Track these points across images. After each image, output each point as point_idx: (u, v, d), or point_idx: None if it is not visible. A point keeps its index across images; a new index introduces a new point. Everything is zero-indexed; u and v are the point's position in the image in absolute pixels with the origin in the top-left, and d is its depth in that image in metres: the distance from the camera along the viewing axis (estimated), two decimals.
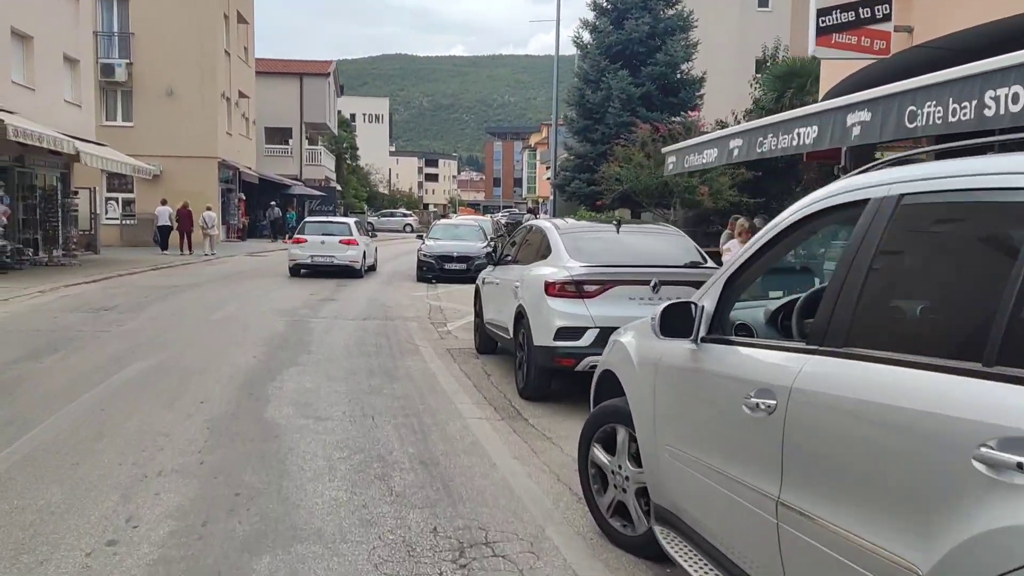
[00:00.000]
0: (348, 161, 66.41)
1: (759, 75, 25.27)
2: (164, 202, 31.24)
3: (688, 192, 22.06)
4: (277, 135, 50.23)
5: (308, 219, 26.98)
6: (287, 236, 37.02)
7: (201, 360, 9.96)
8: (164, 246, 30.61)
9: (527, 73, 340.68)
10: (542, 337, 7.89)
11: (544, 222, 10.14)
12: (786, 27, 36.85)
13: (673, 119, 26.09)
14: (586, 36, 28.94)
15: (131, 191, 35.13)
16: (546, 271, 8.17)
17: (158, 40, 34.36)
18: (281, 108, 48.03)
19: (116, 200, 35.13)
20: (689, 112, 27.79)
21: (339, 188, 55.13)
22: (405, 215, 65.28)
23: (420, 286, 21.47)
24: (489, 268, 11.17)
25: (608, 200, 23.57)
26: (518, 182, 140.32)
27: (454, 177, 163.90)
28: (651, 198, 23.52)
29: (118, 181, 35.05)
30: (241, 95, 40.33)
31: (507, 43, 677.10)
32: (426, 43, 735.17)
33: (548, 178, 41.36)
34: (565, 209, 33.13)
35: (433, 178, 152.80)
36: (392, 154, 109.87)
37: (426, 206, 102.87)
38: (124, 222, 34.26)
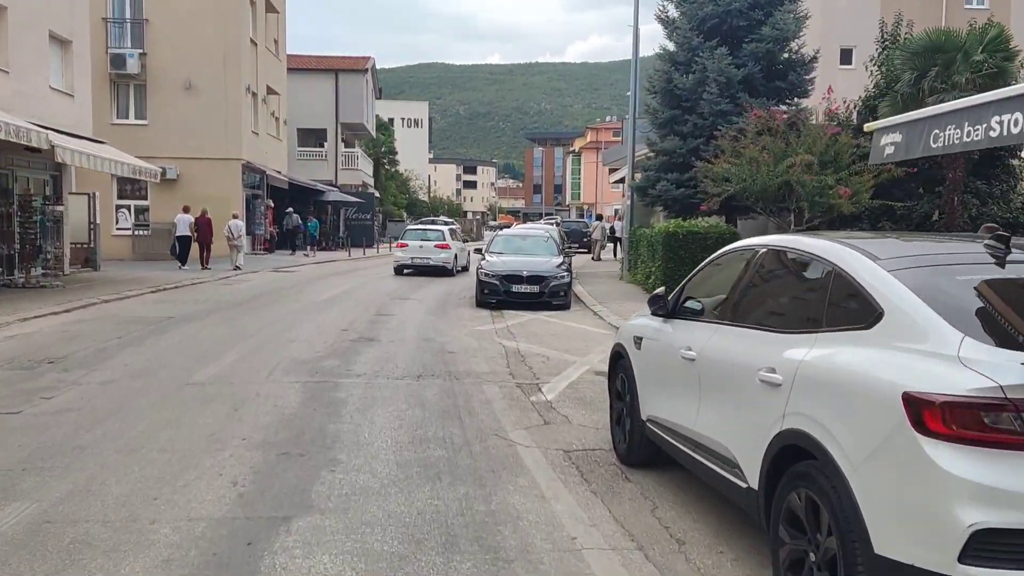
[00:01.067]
0: (386, 166, 62.15)
1: (880, 54, 20.13)
2: (186, 209, 27.00)
3: (820, 194, 17.10)
4: (311, 137, 45.99)
5: (409, 227, 32.25)
6: (309, 247, 32.49)
7: (116, 515, 5.17)
8: (183, 260, 26.41)
9: (564, 80, 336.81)
10: (900, 542, 3.08)
11: (824, 243, 4.41)
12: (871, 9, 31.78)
13: (781, 108, 21.05)
14: (672, 10, 24.01)
15: (144, 197, 30.90)
16: (900, 372, 3.30)
17: (175, 27, 30.15)
18: (315, 108, 43.79)
19: (128, 208, 30.92)
20: (799, 100, 22.81)
21: (377, 194, 50.78)
22: (447, 223, 60.72)
23: (482, 313, 16.78)
24: (647, 320, 6.31)
25: (714, 204, 18.67)
26: (558, 188, 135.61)
27: (492, 184, 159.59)
28: (769, 202, 18.61)
29: (130, 187, 30.86)
30: (270, 91, 36.02)
31: (544, 51, 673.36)
32: (463, 52, 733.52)
33: (618, 181, 36.44)
34: (643, 215, 28.25)
35: (471, 185, 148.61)
36: (430, 161, 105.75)
37: (464, 213, 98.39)
38: (137, 233, 30.04)
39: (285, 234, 34.38)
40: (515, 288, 17.43)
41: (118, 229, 30.53)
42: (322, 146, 44.81)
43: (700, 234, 18.27)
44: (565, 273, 17.77)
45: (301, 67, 43.33)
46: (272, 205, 34.30)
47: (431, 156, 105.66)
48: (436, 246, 26.74)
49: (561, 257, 19.15)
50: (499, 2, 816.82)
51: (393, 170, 65.01)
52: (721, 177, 18.71)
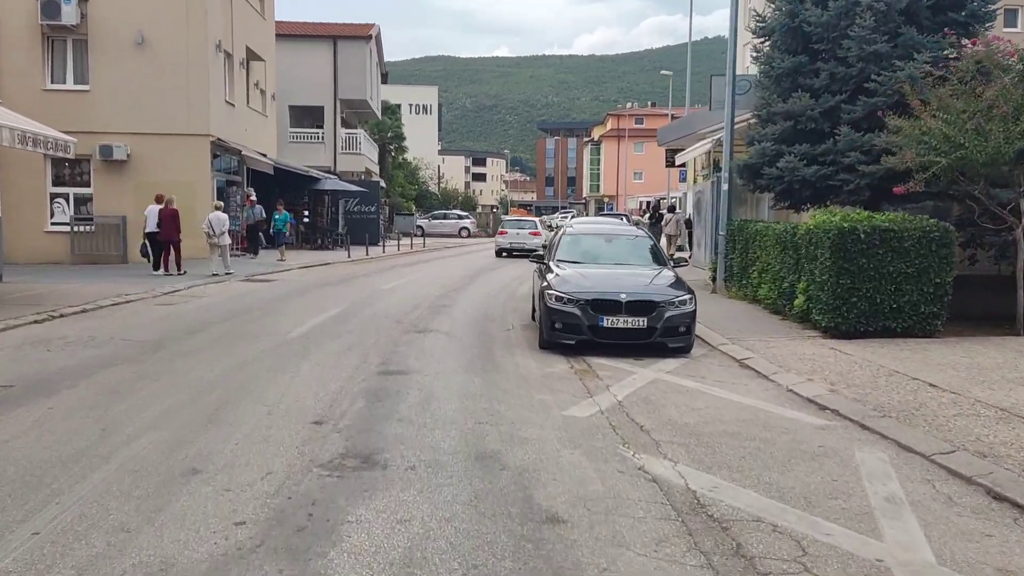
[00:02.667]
0: (393, 153, 55.32)
1: None
2: (160, 200, 20.66)
3: None
4: (305, 116, 39.15)
5: (505, 218, 38.93)
6: (280, 247, 25.61)
7: None
8: (156, 263, 20.39)
9: (571, 73, 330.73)
10: None
11: None
12: None
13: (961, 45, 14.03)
14: None
15: (87, 184, 24.05)
16: None
17: None
18: (310, 81, 36.96)
19: (66, 198, 24.06)
20: (985, 35, 15.83)
21: (383, 184, 43.92)
22: (460, 217, 53.96)
23: (556, 365, 9.95)
24: None
25: (917, 185, 11.78)
26: (572, 180, 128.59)
27: (502, 177, 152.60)
28: (994, 179, 11.81)
29: (69, 171, 24.03)
30: (252, 55, 29.13)
31: (551, 43, 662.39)
32: (470, 45, 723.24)
33: (680, 165, 29.49)
34: (747, 206, 21.30)
35: (481, 178, 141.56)
36: (439, 153, 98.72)
37: (477, 207, 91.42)
38: (77, 228, 23.20)
39: (248, 230, 27.20)
40: (608, 322, 10.55)
41: (53, 224, 23.71)
42: (319, 128, 37.98)
43: (894, 233, 11.36)
44: (686, 296, 10.84)
45: (294, 33, 36.50)
46: (253, 195, 27.52)
47: (439, 148, 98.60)
48: (530, 233, 32.49)
49: (669, 269, 12.26)
50: None
51: (401, 158, 58.13)
52: (921, 144, 11.84)
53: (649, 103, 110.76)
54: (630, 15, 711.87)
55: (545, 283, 11.61)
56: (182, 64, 23.64)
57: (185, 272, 20.17)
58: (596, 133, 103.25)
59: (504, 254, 31.46)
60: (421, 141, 70.26)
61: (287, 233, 32.11)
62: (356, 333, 11.95)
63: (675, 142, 28.19)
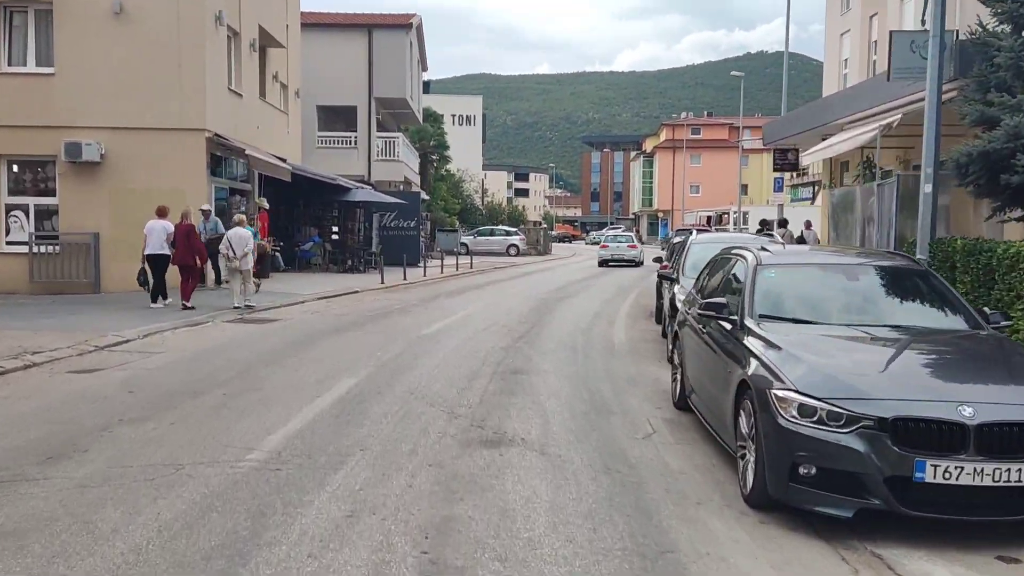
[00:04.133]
0: (436, 164, 49.98)
1: None
2: (161, 213, 15.82)
3: None
4: (336, 119, 33.88)
5: (606, 232, 54.47)
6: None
7: None
8: (160, 292, 15.56)
9: (612, 90, 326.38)
10: None
11: None
12: None
13: None
14: None
15: (52, 192, 18.79)
16: None
17: None
18: (342, 77, 31.71)
19: (25, 209, 18.83)
20: None
21: (424, 196, 38.48)
22: (508, 233, 48.29)
23: (818, 565, 3.97)
24: None
25: None
26: (618, 196, 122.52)
27: (545, 193, 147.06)
28: None
29: (30, 176, 18.82)
30: (268, 39, 23.84)
31: (592, 60, 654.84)
32: (511, 62, 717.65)
33: (799, 172, 23.27)
34: (956, 214, 15.21)
35: (523, 193, 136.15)
36: (481, 168, 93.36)
37: (529, 222, 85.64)
38: (39, 249, 17.95)
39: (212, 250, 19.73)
40: (937, 473, 4.59)
41: (8, 244, 18.48)
42: (352, 131, 32.65)
43: None
44: None
45: (322, 22, 31.27)
46: (267, 207, 22.13)
47: (484, 163, 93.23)
48: (628, 247, 38.04)
49: (988, 330, 6.24)
50: (547, 12, 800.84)
51: (444, 169, 52.78)
52: None
53: (705, 112, 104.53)
54: (672, 32, 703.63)
55: (749, 367, 5.69)
56: (172, 40, 18.31)
57: (193, 307, 14.97)
58: (649, 145, 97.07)
59: (605, 264, 36.90)
60: (464, 153, 64.95)
61: (314, 253, 26.82)
62: (374, 454, 6.21)
63: (788, 140, 22.26)
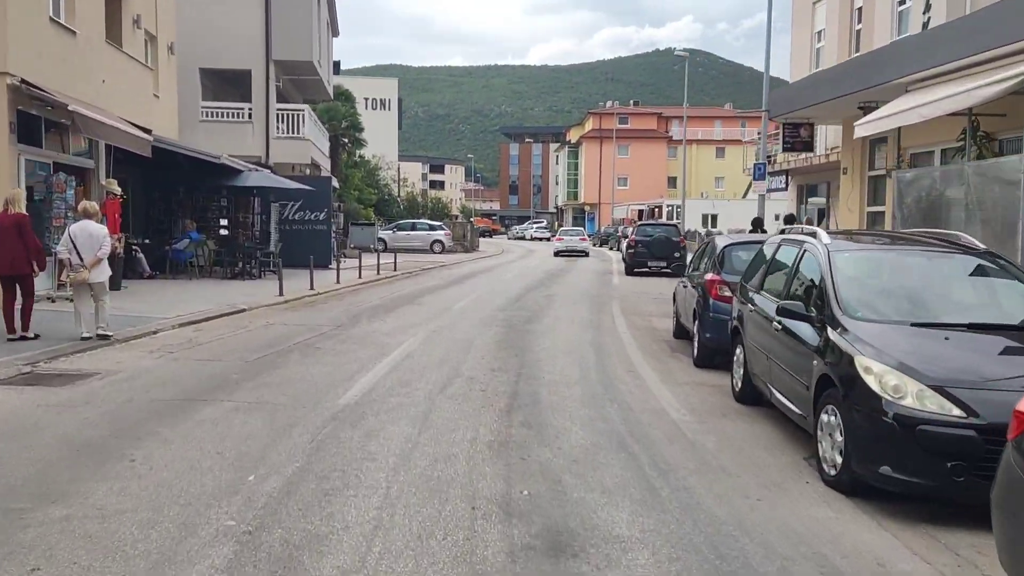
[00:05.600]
0: (349, 148, 43.63)
1: None
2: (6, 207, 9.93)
3: None
4: (228, 87, 27.47)
5: (561, 228, 56.14)
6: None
7: None
8: None
9: (525, 83, 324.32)
10: None
11: None
12: None
13: None
14: None
15: None
16: None
17: None
18: (231, 34, 25.31)
19: None
20: None
21: (335, 184, 32.31)
22: (432, 227, 42.43)
23: None
24: None
25: None
26: (538, 189, 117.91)
27: (461, 185, 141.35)
28: None
29: None
30: None
31: (505, 53, 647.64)
32: (423, 54, 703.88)
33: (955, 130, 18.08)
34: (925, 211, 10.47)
35: (439, 185, 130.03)
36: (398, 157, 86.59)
37: (455, 216, 79.21)
38: None
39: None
40: None
41: None
42: (246, 103, 26.26)
43: None
44: None
45: None
46: (117, 191, 15.86)
47: (399, 154, 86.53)
48: (579, 239, 42.41)
49: None
50: (460, 4, 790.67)
51: (358, 154, 46.44)
52: None
53: (632, 102, 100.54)
54: (584, 27, 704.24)
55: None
56: None
57: (38, 336, 9.14)
58: (574, 135, 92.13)
59: (560, 254, 40.09)
60: (379, 140, 58.48)
61: (190, 254, 20.60)
62: None
63: (800, 113, 17.41)
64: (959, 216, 11.62)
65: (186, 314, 13.20)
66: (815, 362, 5.75)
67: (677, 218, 57.96)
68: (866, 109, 15.40)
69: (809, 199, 31.49)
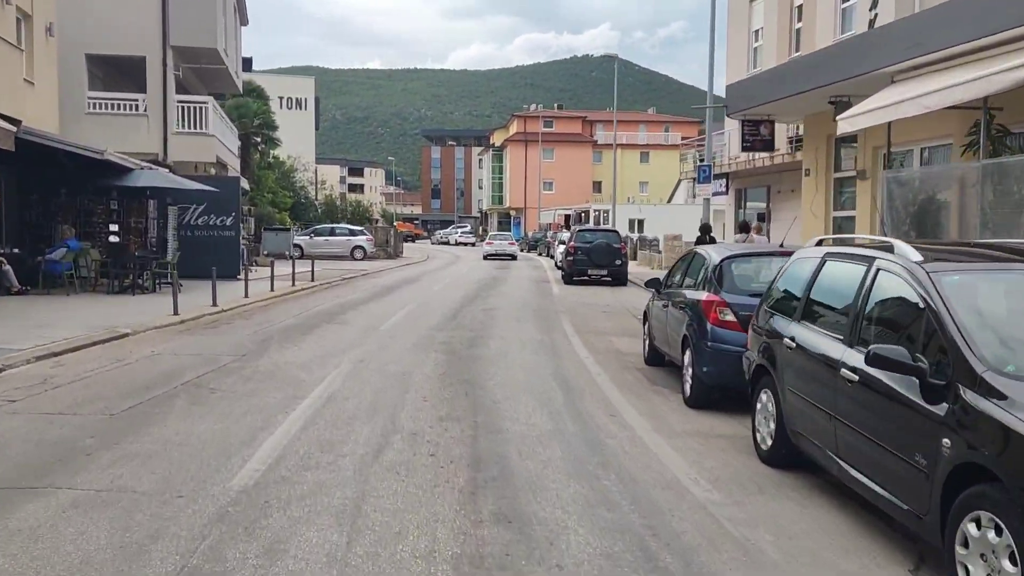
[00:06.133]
0: (261, 148, 40.65)
1: None
2: None
3: None
4: (120, 76, 24.48)
5: (492, 232, 53.53)
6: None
7: None
8: None
9: (444, 87, 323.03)
10: None
11: None
12: None
13: None
14: None
15: None
16: None
17: None
18: (123, 16, 22.38)
19: None
20: None
21: (246, 186, 29.52)
22: (353, 232, 39.79)
23: None
24: None
25: None
26: (461, 193, 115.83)
27: (381, 189, 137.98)
28: None
29: None
30: None
31: (425, 57, 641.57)
32: (341, 55, 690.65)
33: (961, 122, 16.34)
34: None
35: (358, 189, 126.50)
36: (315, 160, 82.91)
37: (376, 220, 75.91)
38: None
39: None
40: None
41: None
42: (141, 95, 23.31)
43: None
44: None
45: None
46: None
47: (316, 156, 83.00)
48: (508, 244, 43.56)
49: None
50: (378, 7, 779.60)
51: (272, 155, 43.40)
52: None
53: (556, 105, 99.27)
54: (503, 32, 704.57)
55: None
56: None
57: None
58: (498, 138, 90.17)
59: (489, 257, 41.26)
60: (296, 141, 55.34)
61: (67, 265, 17.75)
62: None
63: (760, 109, 15.83)
64: (971, 221, 10.12)
65: (49, 343, 10.61)
66: (944, 441, 3.86)
67: (605, 223, 56.85)
68: (838, 104, 13.93)
69: (748, 204, 30.38)
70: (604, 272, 24.42)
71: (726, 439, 6.92)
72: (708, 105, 22.98)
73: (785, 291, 6.40)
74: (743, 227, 19.41)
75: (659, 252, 33.39)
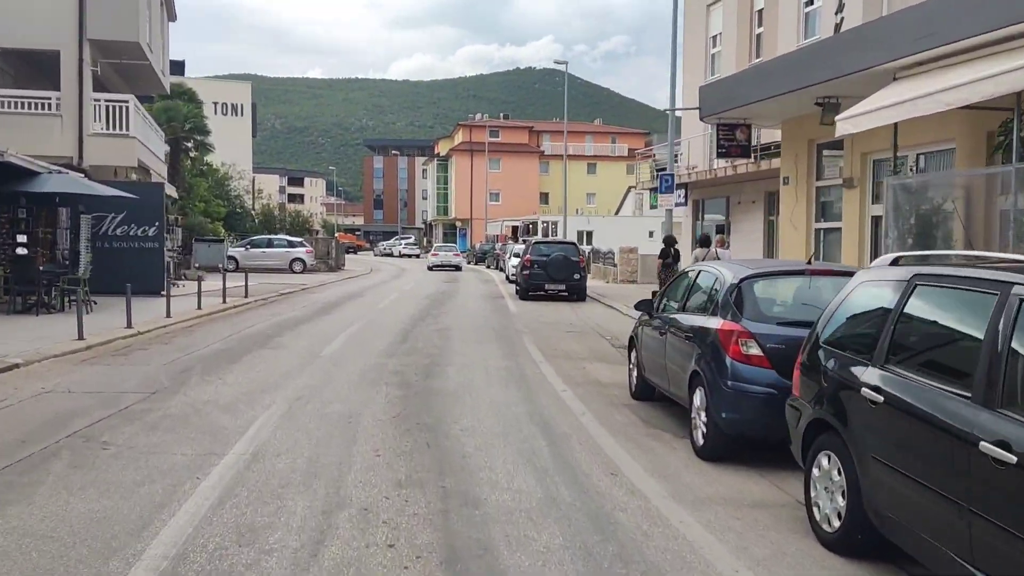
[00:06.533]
0: (194, 154, 38.26)
1: None
2: None
3: None
4: (32, 72, 22.14)
5: (437, 244, 55.46)
6: None
7: None
8: None
9: (386, 97, 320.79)
10: None
11: None
12: None
13: None
14: None
15: None
16: None
17: None
18: (33, 8, 20.16)
19: None
20: None
21: (173, 194, 27.29)
22: (292, 244, 37.63)
23: None
24: None
25: None
26: (404, 204, 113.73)
27: (322, 200, 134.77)
28: None
29: None
30: None
31: (366, 67, 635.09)
32: (281, 65, 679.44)
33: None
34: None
35: (298, 199, 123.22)
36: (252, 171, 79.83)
37: (316, 231, 73.03)
38: None
39: None
40: None
41: None
42: (55, 92, 21.06)
43: None
44: None
45: None
46: None
47: (254, 166, 80.00)
48: (453, 255, 44.81)
49: None
50: (318, 16, 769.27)
51: (204, 162, 40.97)
52: None
53: (501, 115, 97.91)
54: (446, 43, 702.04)
55: None
56: None
57: None
58: (443, 147, 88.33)
59: (434, 268, 42.21)
60: (231, 149, 52.82)
61: None
62: None
63: (740, 110, 14.59)
64: (996, 231, 8.93)
65: None
66: None
67: (554, 234, 55.65)
68: (826, 106, 12.74)
69: (706, 216, 29.37)
70: (562, 287, 23.00)
71: (766, 510, 5.45)
72: (672, 108, 21.81)
73: (853, 324, 4.97)
74: (704, 240, 17.49)
75: (614, 265, 32.15)
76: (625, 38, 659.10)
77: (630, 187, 62.67)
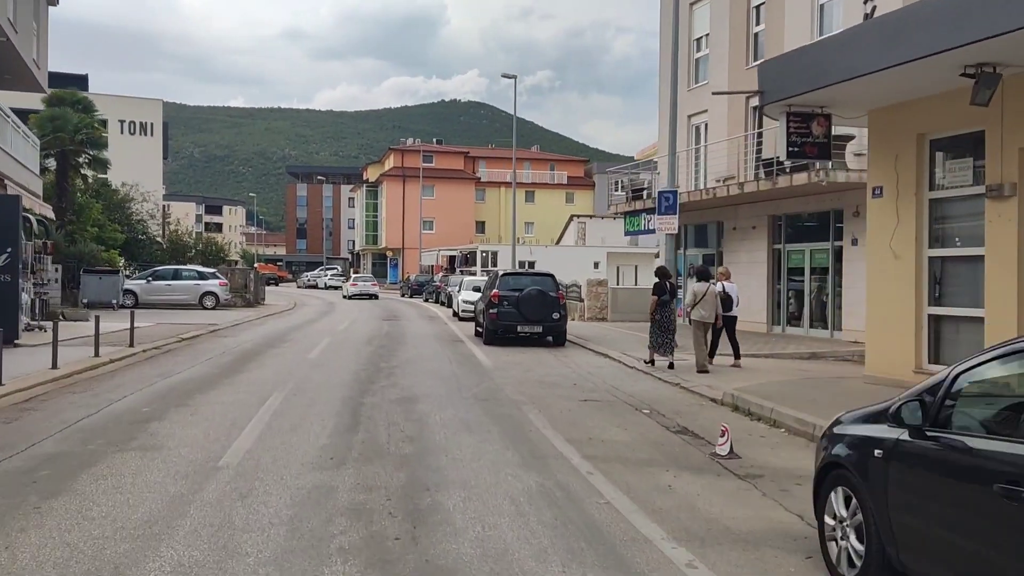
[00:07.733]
0: (85, 171, 32.37)
1: None
2: None
3: None
4: None
5: (355, 275, 57.54)
6: None
7: None
8: None
9: (309, 127, 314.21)
10: None
11: None
12: None
13: None
14: None
15: None
16: None
17: None
18: None
19: None
20: None
21: (49, 215, 21.72)
22: (202, 276, 32.00)
23: None
24: None
25: None
26: (329, 233, 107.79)
27: (241, 228, 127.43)
28: None
29: None
30: None
31: (290, 97, 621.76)
32: (200, 93, 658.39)
33: None
34: None
35: (216, 228, 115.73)
36: (164, 197, 72.83)
37: (234, 262, 66.26)
38: None
39: None
40: None
41: None
42: None
43: None
44: None
45: None
46: None
47: (165, 182, 73.11)
48: (371, 284, 48.97)
49: None
50: (240, 46, 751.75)
51: (99, 180, 35.01)
52: None
53: (434, 140, 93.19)
54: (370, 74, 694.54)
55: None
56: None
57: None
58: (372, 173, 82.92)
59: (352, 297, 46.38)
60: (139, 169, 46.71)
61: None
62: None
63: (819, 93, 10.45)
64: None
65: None
66: None
67: (494, 265, 51.33)
68: (979, 78, 8.69)
69: (690, 245, 25.40)
70: (538, 328, 18.49)
71: None
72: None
73: None
74: (702, 273, 14.39)
75: (580, 300, 27.84)
76: (549, 73, 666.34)
77: (572, 215, 58.97)
